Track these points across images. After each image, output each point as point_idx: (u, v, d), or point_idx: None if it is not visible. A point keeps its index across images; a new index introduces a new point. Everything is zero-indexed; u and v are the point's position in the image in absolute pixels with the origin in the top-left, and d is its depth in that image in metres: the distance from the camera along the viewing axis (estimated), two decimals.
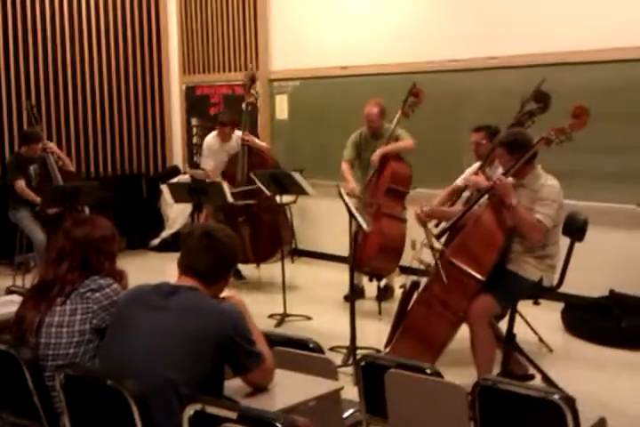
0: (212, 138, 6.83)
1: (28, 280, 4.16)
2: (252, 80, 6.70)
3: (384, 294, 5.92)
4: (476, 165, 4.90)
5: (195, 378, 2.32)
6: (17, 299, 3.28)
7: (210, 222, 2.71)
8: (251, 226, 6.55)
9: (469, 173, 4.93)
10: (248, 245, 6.51)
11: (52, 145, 6.71)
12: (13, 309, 2.89)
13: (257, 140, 6.74)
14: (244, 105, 6.69)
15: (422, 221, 4.40)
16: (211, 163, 6.73)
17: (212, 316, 2.39)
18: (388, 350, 4.41)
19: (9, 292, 3.68)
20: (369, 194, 5.80)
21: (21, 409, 2.75)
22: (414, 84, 5.67)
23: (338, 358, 4.52)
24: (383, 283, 5.91)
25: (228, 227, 2.70)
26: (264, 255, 6.55)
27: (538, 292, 4.19)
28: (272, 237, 6.49)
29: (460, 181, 5.01)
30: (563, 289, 4.23)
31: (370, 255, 5.63)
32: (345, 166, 6.03)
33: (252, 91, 6.71)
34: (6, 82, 7.83)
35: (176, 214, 8.25)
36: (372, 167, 5.80)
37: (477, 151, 4.88)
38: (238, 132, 6.68)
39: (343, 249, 5.26)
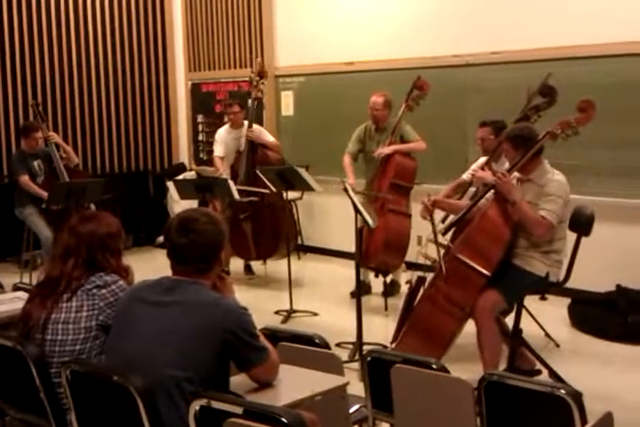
0: (223, 127, 6.80)
1: (35, 277, 4.15)
2: (261, 75, 6.59)
3: (390, 289, 5.93)
4: (483, 159, 4.89)
5: (198, 374, 2.31)
6: (23, 296, 3.29)
7: (187, 211, 2.58)
8: (253, 223, 6.54)
9: (475, 168, 4.92)
10: (251, 242, 6.51)
11: (56, 135, 6.69)
12: (20, 305, 2.91)
13: (264, 136, 6.63)
14: (250, 101, 6.62)
15: (428, 209, 4.39)
16: (221, 150, 6.64)
17: (216, 311, 2.37)
18: (394, 345, 4.42)
19: (16, 289, 3.69)
20: (374, 189, 5.80)
21: (28, 406, 2.75)
22: (419, 77, 5.66)
23: (344, 354, 4.52)
24: (389, 279, 5.91)
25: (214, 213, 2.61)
26: (266, 252, 6.55)
27: (544, 287, 4.19)
28: (274, 234, 6.47)
29: (466, 176, 5.00)
30: (569, 284, 4.22)
31: (375, 251, 5.64)
32: (346, 159, 6.02)
33: (261, 86, 6.60)
34: (12, 81, 7.83)
35: None
36: (377, 160, 5.80)
37: (483, 146, 4.88)
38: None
39: (349, 245, 5.26)
